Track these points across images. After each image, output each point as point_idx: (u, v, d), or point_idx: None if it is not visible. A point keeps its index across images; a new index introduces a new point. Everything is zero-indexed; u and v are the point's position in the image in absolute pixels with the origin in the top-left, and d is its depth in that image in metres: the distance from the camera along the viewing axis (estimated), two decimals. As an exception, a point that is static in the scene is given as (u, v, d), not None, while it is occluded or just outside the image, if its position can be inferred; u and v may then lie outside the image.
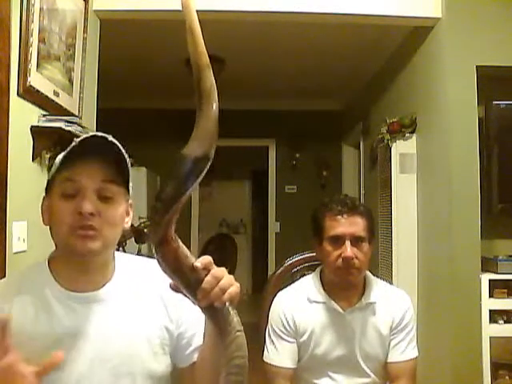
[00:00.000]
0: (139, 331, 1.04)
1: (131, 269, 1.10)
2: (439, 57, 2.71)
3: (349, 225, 1.54)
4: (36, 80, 1.80)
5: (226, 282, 0.82)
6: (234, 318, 0.81)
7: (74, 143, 0.97)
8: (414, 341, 1.63)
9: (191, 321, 1.08)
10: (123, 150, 1.00)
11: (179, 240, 0.79)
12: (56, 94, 1.98)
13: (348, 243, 1.53)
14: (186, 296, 0.84)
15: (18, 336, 0.93)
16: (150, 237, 0.78)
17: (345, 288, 1.60)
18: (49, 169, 1.89)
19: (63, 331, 0.97)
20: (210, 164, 0.71)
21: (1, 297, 1.00)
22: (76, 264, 1.02)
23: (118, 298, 1.04)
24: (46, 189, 1.03)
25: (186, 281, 0.81)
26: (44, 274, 1.03)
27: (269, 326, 1.66)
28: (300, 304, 1.63)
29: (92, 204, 0.97)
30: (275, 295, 1.71)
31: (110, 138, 0.99)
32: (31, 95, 1.79)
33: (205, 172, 0.72)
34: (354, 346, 1.59)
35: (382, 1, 2.62)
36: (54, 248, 1.05)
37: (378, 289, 1.64)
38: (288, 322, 1.61)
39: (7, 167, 1.61)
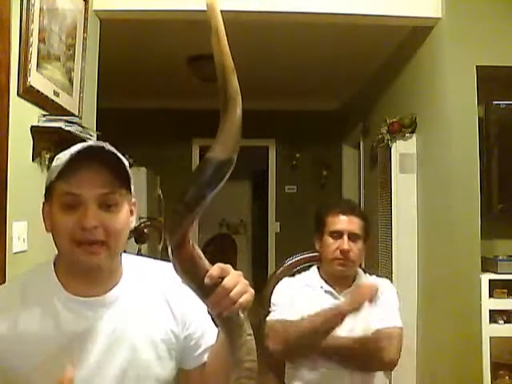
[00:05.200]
0: (145, 335, 1.03)
1: (138, 272, 1.09)
2: (439, 57, 2.71)
3: (347, 223, 1.79)
4: (36, 80, 1.80)
5: (238, 292, 0.81)
6: (245, 323, 0.80)
7: (70, 155, 0.93)
8: (395, 313, 1.76)
9: (199, 322, 1.07)
10: (119, 154, 0.98)
11: (194, 243, 0.78)
12: (56, 94, 1.98)
13: (346, 238, 1.77)
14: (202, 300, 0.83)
15: (25, 344, 0.93)
16: (167, 238, 0.75)
17: (339, 278, 1.81)
18: (47, 169, 1.90)
19: (71, 337, 0.96)
20: (232, 168, 0.70)
21: (5, 305, 0.98)
22: (81, 273, 0.99)
23: (124, 302, 1.03)
24: (46, 194, 0.99)
25: (200, 284, 0.80)
26: (50, 280, 1.00)
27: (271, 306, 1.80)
28: (299, 289, 1.82)
29: (94, 217, 0.94)
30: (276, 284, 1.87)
31: (108, 146, 0.96)
32: (31, 95, 1.79)
33: (227, 176, 0.70)
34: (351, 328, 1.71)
35: (382, 1, 2.62)
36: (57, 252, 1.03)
37: (366, 279, 1.85)
38: (286, 301, 1.77)
39: (7, 167, 1.61)
